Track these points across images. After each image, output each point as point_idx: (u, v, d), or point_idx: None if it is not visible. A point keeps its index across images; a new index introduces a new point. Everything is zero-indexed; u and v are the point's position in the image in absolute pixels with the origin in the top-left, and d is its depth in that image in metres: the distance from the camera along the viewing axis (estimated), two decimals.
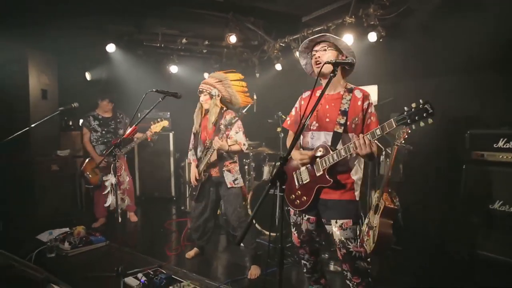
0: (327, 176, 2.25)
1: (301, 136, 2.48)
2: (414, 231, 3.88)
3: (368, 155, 2.07)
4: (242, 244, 3.52)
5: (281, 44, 5.28)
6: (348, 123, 2.26)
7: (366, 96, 2.29)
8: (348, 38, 4.30)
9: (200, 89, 3.45)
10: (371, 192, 3.89)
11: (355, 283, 2.35)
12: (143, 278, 2.77)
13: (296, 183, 2.46)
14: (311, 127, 2.40)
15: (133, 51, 5.87)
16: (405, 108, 1.90)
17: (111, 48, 5.28)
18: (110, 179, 3.97)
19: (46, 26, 4.47)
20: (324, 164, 2.25)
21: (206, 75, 6.60)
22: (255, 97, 4.86)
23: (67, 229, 3.90)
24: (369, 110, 2.27)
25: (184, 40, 5.48)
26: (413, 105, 1.87)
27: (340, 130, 2.26)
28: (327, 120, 2.33)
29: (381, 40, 4.18)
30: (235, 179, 3.45)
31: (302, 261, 2.65)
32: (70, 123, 5.75)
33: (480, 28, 3.41)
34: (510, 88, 3.57)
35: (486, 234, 3.31)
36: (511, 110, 3.57)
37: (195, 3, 4.64)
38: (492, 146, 3.35)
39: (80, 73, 6.15)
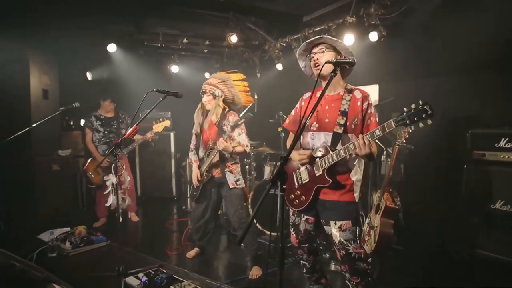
0: (326, 176, 2.26)
1: (301, 137, 2.49)
2: (414, 231, 3.87)
3: (368, 155, 2.08)
4: (242, 244, 3.52)
5: (282, 44, 5.29)
6: (347, 123, 2.26)
7: (365, 97, 2.29)
8: (349, 38, 4.30)
9: (203, 90, 3.43)
10: (372, 191, 3.90)
11: (354, 283, 2.35)
12: (144, 278, 2.78)
13: (296, 183, 2.47)
14: (311, 128, 2.40)
15: (134, 51, 5.87)
16: (405, 109, 1.90)
17: (112, 48, 5.30)
18: (111, 178, 3.98)
19: (47, 26, 4.48)
20: (324, 164, 2.25)
21: (207, 74, 6.60)
22: (256, 96, 4.87)
23: (68, 228, 3.91)
24: (369, 111, 2.27)
25: (185, 40, 5.48)
26: (413, 106, 1.88)
27: (340, 131, 2.26)
28: (327, 120, 2.34)
29: (382, 39, 4.18)
30: (237, 180, 3.45)
31: (301, 261, 2.65)
32: (71, 123, 5.76)
33: (480, 28, 3.40)
34: (510, 88, 3.56)
35: (487, 234, 3.30)
36: (511, 110, 3.57)
37: (195, 3, 4.65)
38: (493, 146, 3.33)
39: (81, 73, 6.16)
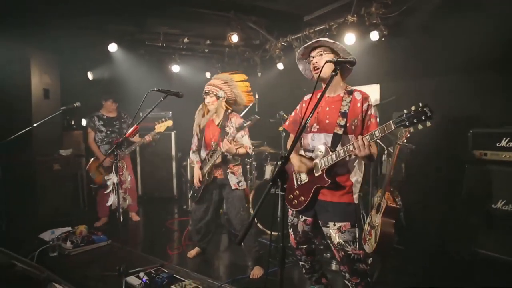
0: (325, 177, 2.26)
1: (302, 138, 2.49)
2: (415, 230, 3.87)
3: (367, 156, 2.09)
4: (242, 244, 3.52)
5: (283, 43, 5.29)
6: (348, 124, 2.27)
7: (365, 98, 2.30)
8: (350, 37, 4.29)
9: (206, 91, 3.41)
10: (373, 191, 3.90)
11: (354, 283, 2.36)
12: (145, 277, 2.79)
13: (295, 183, 2.47)
14: (312, 129, 2.40)
15: (135, 51, 5.87)
16: (405, 111, 1.91)
17: (113, 47, 5.29)
18: (112, 178, 3.98)
19: (47, 26, 4.48)
20: (323, 165, 2.26)
21: (208, 74, 6.60)
22: (257, 96, 4.87)
23: (69, 228, 3.92)
24: (369, 112, 2.27)
25: (185, 40, 5.48)
26: (413, 108, 1.88)
27: (340, 132, 2.26)
28: (327, 122, 2.34)
29: (383, 39, 4.17)
30: (239, 181, 3.45)
31: (300, 262, 2.66)
32: (72, 122, 5.77)
33: (480, 28, 3.40)
34: (510, 88, 3.55)
35: (487, 233, 3.30)
36: (511, 110, 3.57)
37: (196, 2, 4.64)
38: (494, 145, 3.33)
39: (82, 73, 6.17)
